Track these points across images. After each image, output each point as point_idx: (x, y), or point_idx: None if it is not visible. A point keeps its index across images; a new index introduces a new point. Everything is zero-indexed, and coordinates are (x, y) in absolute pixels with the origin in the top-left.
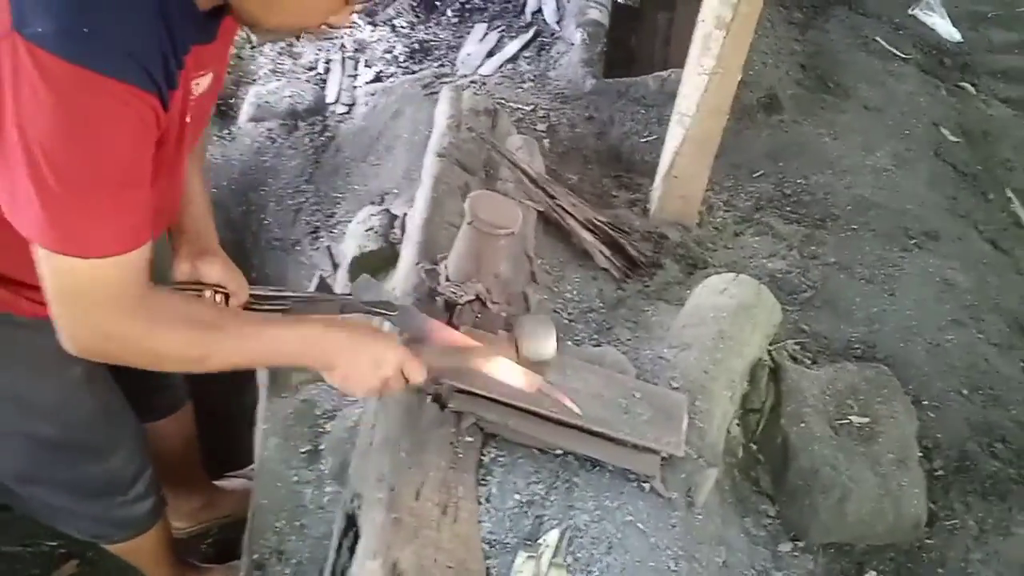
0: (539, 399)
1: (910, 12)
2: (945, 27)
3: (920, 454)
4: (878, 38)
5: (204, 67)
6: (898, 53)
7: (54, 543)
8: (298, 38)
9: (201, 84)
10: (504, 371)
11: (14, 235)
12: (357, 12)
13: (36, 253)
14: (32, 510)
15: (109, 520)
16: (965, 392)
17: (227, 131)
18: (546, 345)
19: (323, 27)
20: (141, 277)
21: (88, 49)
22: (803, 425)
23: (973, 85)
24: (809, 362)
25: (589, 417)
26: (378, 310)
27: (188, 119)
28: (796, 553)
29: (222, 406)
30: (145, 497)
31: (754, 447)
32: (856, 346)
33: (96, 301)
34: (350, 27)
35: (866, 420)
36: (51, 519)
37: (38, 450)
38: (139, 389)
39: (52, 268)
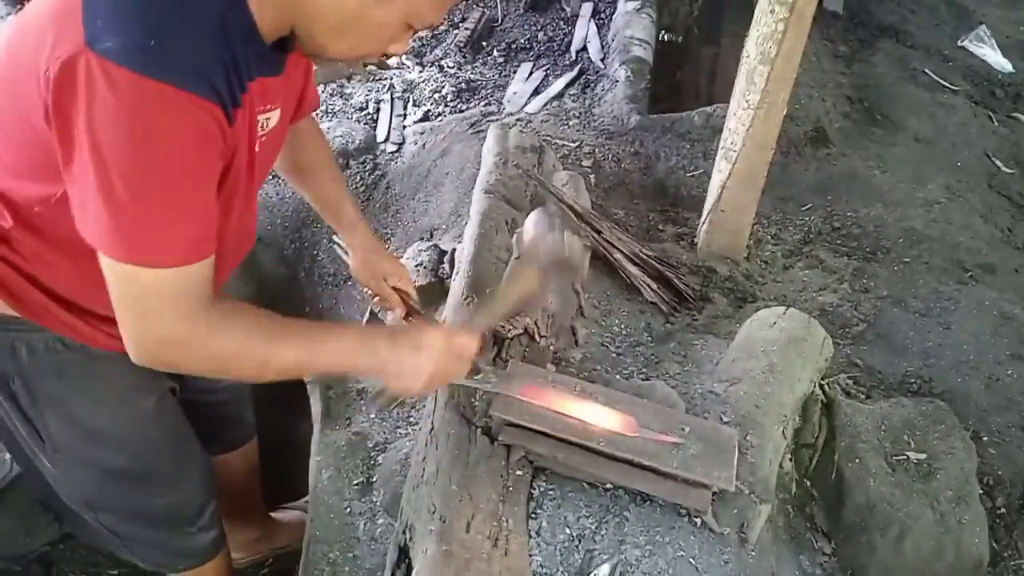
0: (589, 432)
1: (959, 44)
2: (996, 58)
3: (981, 491)
4: (927, 70)
5: (272, 101)
6: (948, 85)
7: (115, 572)
8: (351, 73)
9: (271, 119)
10: (599, 417)
11: (93, 269)
12: (414, 42)
13: (102, 262)
14: (96, 538)
15: (173, 549)
16: None
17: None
18: (541, 231)
19: (383, 56)
20: (204, 289)
21: (154, 61)
22: (858, 461)
23: None
24: (863, 396)
25: (638, 450)
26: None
27: (257, 149)
28: None
29: (278, 438)
30: (210, 528)
31: (808, 483)
32: (911, 380)
33: (159, 309)
34: (400, 68)
35: (923, 456)
36: (115, 547)
37: (106, 478)
38: (211, 422)
39: (117, 276)
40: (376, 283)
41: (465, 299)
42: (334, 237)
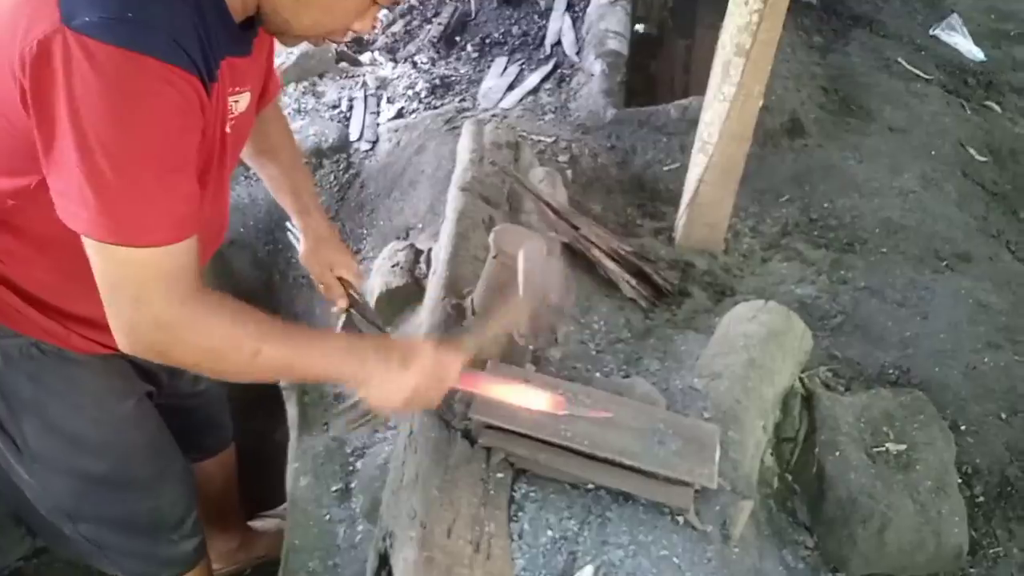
0: (569, 431)
1: (931, 33)
2: (968, 46)
3: (960, 480)
4: (900, 59)
5: (242, 83)
6: (921, 74)
7: None
8: (323, 71)
9: (240, 102)
10: (528, 397)
11: (68, 265)
12: (387, 39)
13: (88, 248)
14: (76, 551)
15: (156, 558)
16: (1004, 416)
17: (253, 171)
18: (550, 270)
19: (349, 31)
20: (192, 270)
21: (133, 33)
22: (838, 454)
23: (998, 103)
24: (842, 389)
25: (619, 450)
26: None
27: (228, 130)
28: None
29: (255, 444)
30: (192, 535)
31: (789, 477)
32: (890, 371)
33: (149, 291)
34: (372, 64)
35: (903, 447)
36: (95, 560)
37: (88, 486)
38: (188, 428)
39: (106, 260)
40: (322, 272)
41: (443, 299)
42: (287, 223)
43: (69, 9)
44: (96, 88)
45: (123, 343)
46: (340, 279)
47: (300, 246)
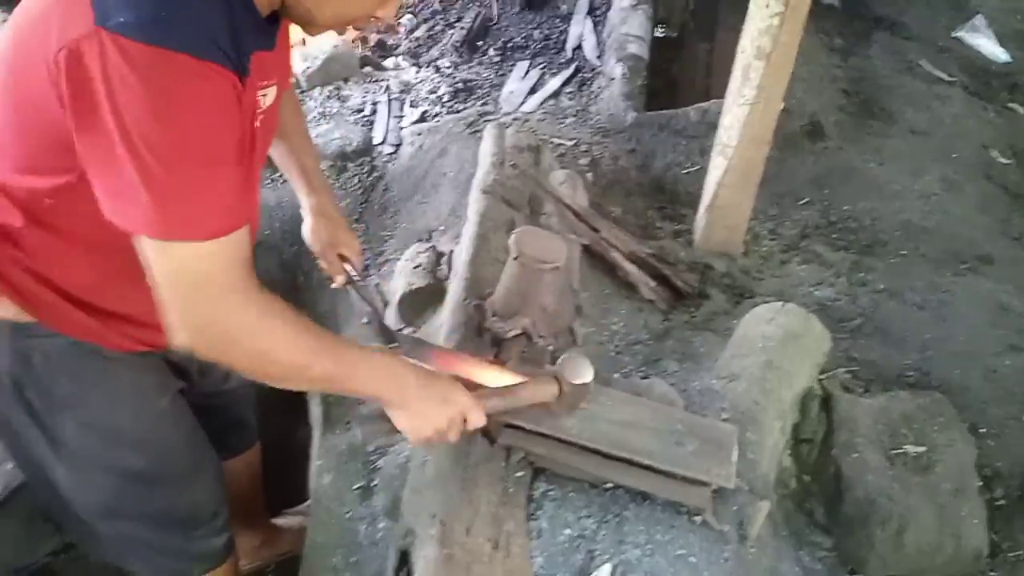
0: (587, 431)
1: (954, 35)
2: (991, 48)
3: (980, 483)
4: (922, 62)
5: (269, 77)
6: (943, 76)
7: None
8: (348, 76)
9: (268, 96)
10: (494, 378)
11: (107, 263)
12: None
13: (141, 246)
14: (107, 549)
15: (188, 553)
16: None
17: (279, 173)
18: (586, 373)
19: (372, 20)
20: (246, 262)
21: (167, 31)
22: (857, 455)
23: (1023, 105)
24: (861, 391)
25: (637, 449)
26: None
27: (258, 124)
28: None
29: (279, 443)
30: (224, 530)
31: (807, 478)
32: (909, 373)
33: (205, 285)
34: (396, 69)
35: (922, 449)
36: (128, 558)
37: (125, 482)
38: (215, 427)
39: (160, 256)
40: (324, 249)
41: (464, 300)
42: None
43: (102, 10)
44: (136, 86)
45: (178, 336)
46: (340, 256)
47: (305, 222)
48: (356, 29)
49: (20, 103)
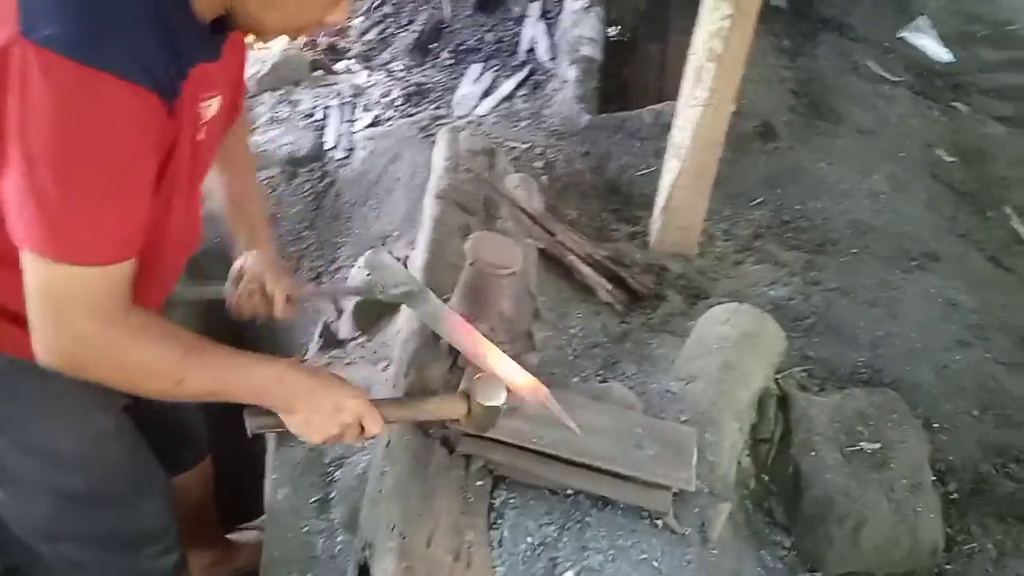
0: (547, 437)
1: (899, 35)
2: (935, 48)
3: (934, 478)
4: (868, 62)
5: (212, 88)
6: (889, 76)
7: None
8: (298, 79)
9: (212, 106)
10: (510, 373)
11: None
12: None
13: (23, 258)
14: (51, 573)
15: (136, 574)
16: (976, 413)
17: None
18: (498, 396)
19: (321, 25)
20: (125, 291)
21: (94, 49)
22: (814, 454)
23: (966, 104)
24: (816, 389)
25: (597, 455)
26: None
27: (200, 138)
28: None
29: (232, 455)
30: (173, 549)
31: (766, 478)
32: (863, 371)
33: (78, 309)
34: (347, 72)
35: (877, 446)
36: None
37: (65, 504)
38: (164, 442)
39: (36, 271)
40: (252, 276)
41: None
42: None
43: (29, 19)
44: (49, 101)
45: (41, 356)
46: (261, 293)
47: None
48: (308, 35)
49: None
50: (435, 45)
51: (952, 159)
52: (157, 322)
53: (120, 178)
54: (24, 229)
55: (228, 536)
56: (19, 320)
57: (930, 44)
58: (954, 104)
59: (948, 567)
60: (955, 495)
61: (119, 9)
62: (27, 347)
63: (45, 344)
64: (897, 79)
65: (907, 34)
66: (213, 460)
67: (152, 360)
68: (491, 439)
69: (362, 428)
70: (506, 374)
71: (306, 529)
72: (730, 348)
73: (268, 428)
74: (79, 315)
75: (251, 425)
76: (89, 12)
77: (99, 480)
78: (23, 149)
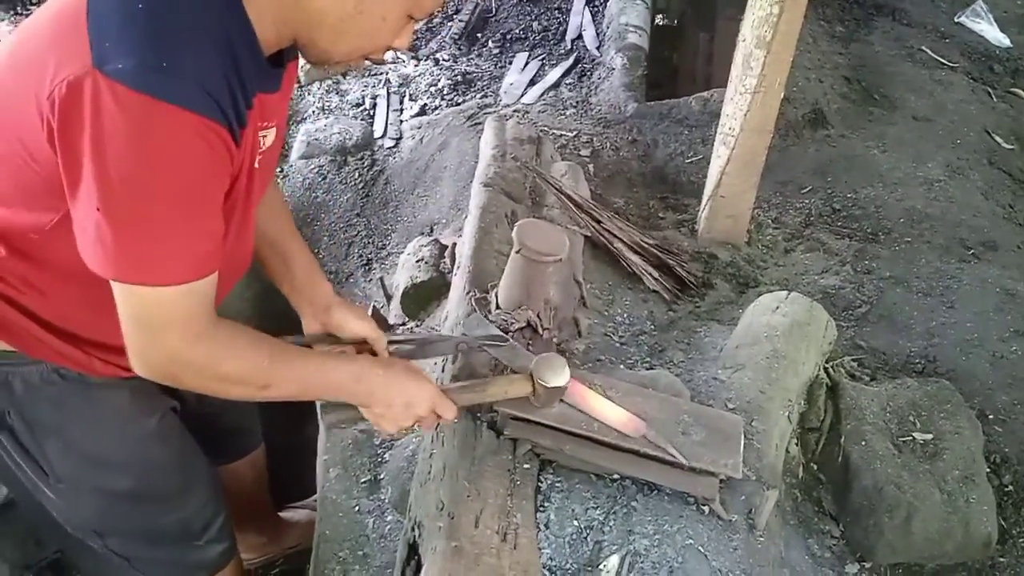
0: (594, 422)
1: (956, 20)
2: (993, 33)
3: (988, 470)
4: (924, 47)
5: (270, 119)
6: (945, 62)
7: None
8: (347, 69)
9: (268, 137)
10: (607, 414)
11: (88, 294)
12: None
13: (112, 283)
14: (98, 564)
15: (183, 565)
16: None
17: (279, 169)
18: (561, 375)
19: (388, 50)
20: (209, 305)
21: (164, 83)
22: (864, 443)
23: None
24: (868, 379)
25: (644, 441)
26: (490, 343)
27: (256, 165)
28: (863, 574)
29: (285, 437)
30: (219, 540)
31: (815, 467)
32: (916, 361)
33: (165, 327)
34: (395, 62)
35: (929, 436)
36: (123, 572)
37: (114, 503)
38: (216, 434)
39: (124, 296)
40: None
41: (467, 293)
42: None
43: (101, 53)
44: (123, 131)
45: (139, 369)
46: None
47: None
48: (372, 61)
49: (8, 137)
50: (482, 34)
51: (1011, 146)
52: (243, 332)
53: (195, 201)
54: (102, 256)
55: (280, 514)
56: (62, 334)
57: (988, 29)
58: (1013, 90)
59: (1002, 560)
60: (1010, 487)
61: (189, 42)
62: (72, 360)
63: (143, 364)
64: (954, 65)
65: (964, 19)
66: (265, 439)
67: (243, 370)
68: (538, 423)
69: (437, 416)
70: (604, 416)
71: (357, 509)
72: (779, 336)
73: (343, 423)
74: (171, 335)
75: (326, 421)
76: (158, 46)
77: (145, 480)
78: (97, 177)
